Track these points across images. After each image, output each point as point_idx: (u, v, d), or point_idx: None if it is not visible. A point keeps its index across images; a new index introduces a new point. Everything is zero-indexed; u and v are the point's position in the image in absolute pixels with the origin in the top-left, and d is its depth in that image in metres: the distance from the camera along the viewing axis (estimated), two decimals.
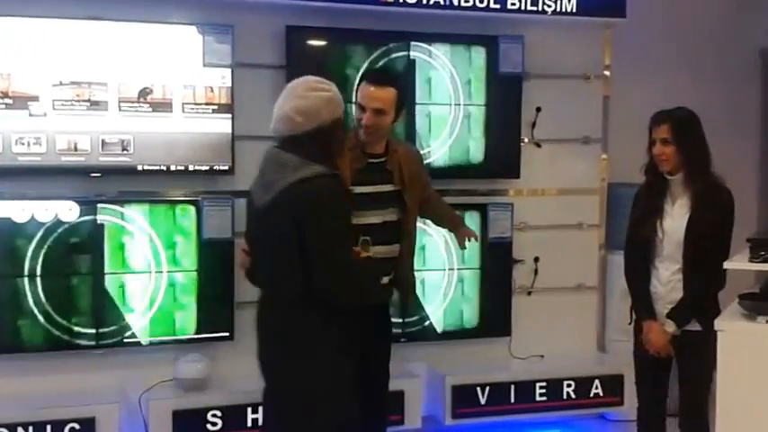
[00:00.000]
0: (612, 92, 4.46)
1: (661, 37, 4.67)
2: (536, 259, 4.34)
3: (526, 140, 4.30)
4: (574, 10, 4.24)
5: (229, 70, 3.77)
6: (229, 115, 3.78)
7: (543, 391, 4.14)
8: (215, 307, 3.81)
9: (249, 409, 3.69)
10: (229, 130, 3.78)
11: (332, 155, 2.55)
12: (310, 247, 2.43)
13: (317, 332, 2.51)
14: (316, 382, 2.51)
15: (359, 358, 2.64)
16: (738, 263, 2.59)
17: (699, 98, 4.48)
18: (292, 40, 3.88)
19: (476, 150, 4.17)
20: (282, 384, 2.61)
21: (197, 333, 3.79)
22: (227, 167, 3.79)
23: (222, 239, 3.78)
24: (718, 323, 2.63)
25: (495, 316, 4.24)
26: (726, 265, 2.59)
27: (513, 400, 4.11)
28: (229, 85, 3.77)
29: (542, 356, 4.30)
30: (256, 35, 3.89)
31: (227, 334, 3.84)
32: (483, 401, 4.06)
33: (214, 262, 3.79)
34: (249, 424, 3.70)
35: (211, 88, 3.74)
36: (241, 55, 3.82)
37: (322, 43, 3.97)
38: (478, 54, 4.16)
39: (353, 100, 3.06)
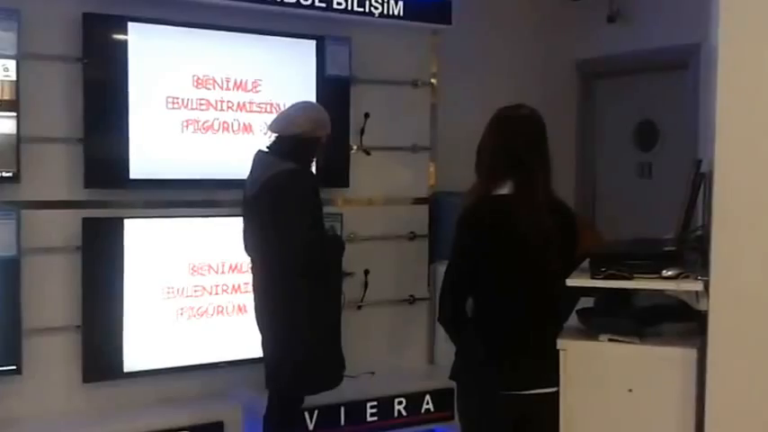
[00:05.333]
0: (440, 99, 4.39)
1: (485, 46, 4.68)
2: (366, 272, 4.16)
3: (355, 148, 4.11)
4: (401, 14, 4.13)
5: (14, 62, 3.26)
6: (14, 113, 3.27)
7: (374, 410, 3.96)
8: None
9: None
10: (14, 131, 3.27)
11: (305, 160, 3.26)
12: (278, 226, 3.08)
13: (297, 293, 3.12)
14: (297, 335, 3.16)
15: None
16: (581, 279, 2.48)
17: None
18: (90, 29, 3.44)
19: None
20: (271, 342, 3.26)
21: None
22: (11, 174, 3.28)
23: (6, 258, 3.26)
24: (560, 342, 2.50)
25: None
26: (568, 282, 2.47)
27: (343, 423, 3.89)
28: (14, 78, 3.26)
29: (373, 373, 4.12)
30: (48, 22, 3.41)
31: (13, 367, 3.32)
32: (311, 426, 3.80)
33: None
34: None
35: None
36: (29, 45, 3.33)
37: (124, 35, 3.53)
38: (306, 55, 3.93)
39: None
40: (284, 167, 3.15)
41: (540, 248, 2.50)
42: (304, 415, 3.74)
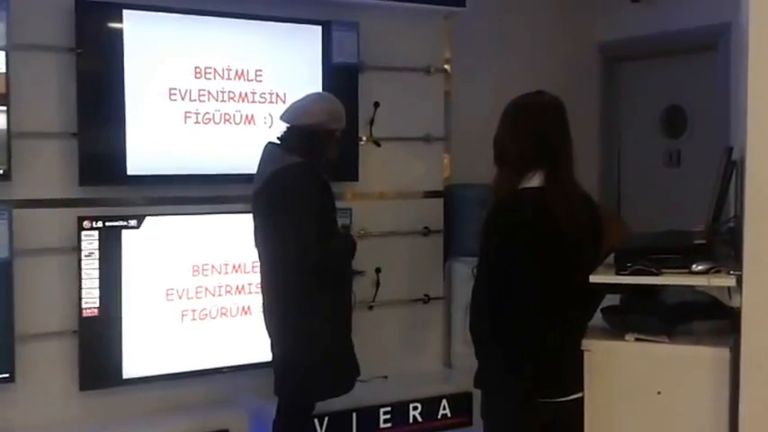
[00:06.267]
0: (454, 87, 4.26)
1: (501, 29, 4.57)
2: (377, 270, 4.01)
3: (364, 139, 3.97)
4: None
5: (3, 53, 3.19)
6: (4, 107, 3.19)
7: (388, 417, 3.82)
8: None
9: None
10: (4, 126, 3.19)
11: (315, 154, 3.06)
12: (278, 224, 2.98)
13: (304, 294, 3.01)
14: (305, 338, 3.04)
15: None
16: (605, 276, 2.32)
17: None
18: (84, 17, 3.33)
19: None
20: (281, 345, 3.13)
21: None
22: (1, 171, 3.20)
23: None
24: (584, 342, 2.38)
25: None
26: (592, 278, 2.31)
27: (355, 430, 3.75)
28: (4, 70, 3.19)
29: (386, 377, 3.99)
30: (39, 11, 3.31)
31: (6, 375, 3.23)
32: None
33: None
34: None
35: None
36: (19, 35, 3.24)
37: (119, 23, 3.41)
38: (311, 41, 3.80)
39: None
40: (289, 162, 3.03)
41: (577, 246, 2.34)
42: (314, 422, 3.60)
